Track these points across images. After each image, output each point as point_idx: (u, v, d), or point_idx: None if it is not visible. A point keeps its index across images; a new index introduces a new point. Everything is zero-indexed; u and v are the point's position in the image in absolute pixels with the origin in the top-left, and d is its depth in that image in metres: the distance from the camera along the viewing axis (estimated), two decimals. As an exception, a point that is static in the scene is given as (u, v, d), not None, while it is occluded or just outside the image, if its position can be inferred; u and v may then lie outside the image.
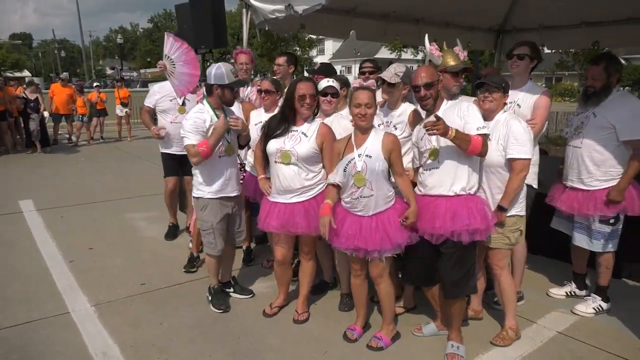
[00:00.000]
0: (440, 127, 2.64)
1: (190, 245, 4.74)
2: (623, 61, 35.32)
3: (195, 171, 3.50)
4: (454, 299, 2.97)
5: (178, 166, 4.89)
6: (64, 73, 17.77)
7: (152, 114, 4.92)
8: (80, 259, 4.65)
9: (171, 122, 4.74)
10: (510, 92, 3.52)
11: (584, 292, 3.79)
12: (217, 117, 3.41)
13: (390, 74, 3.29)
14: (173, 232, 5.27)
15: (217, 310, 3.61)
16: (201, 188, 3.48)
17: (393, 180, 2.99)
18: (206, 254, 3.67)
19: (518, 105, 3.48)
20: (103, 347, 3.14)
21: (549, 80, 36.27)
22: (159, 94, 4.74)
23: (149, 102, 4.83)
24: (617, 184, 3.31)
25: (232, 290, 3.89)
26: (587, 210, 3.42)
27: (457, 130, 2.69)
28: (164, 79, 4.55)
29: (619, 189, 3.29)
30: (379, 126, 3.43)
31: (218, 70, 3.34)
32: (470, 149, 2.74)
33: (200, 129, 3.33)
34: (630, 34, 5.75)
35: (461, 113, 2.83)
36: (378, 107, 3.55)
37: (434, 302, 3.22)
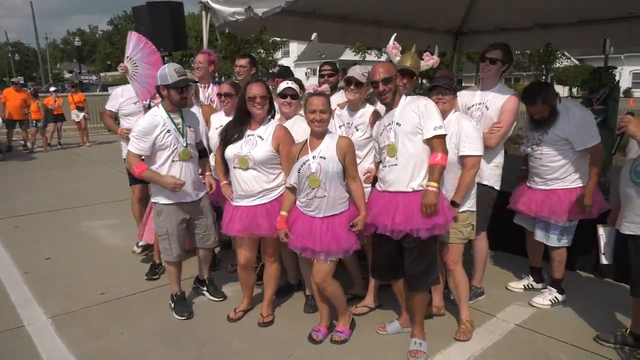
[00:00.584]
0: (429, 207, 2.75)
1: (135, 248, 4.70)
2: (577, 62, 36.85)
3: None
4: (417, 291, 3.03)
5: None
6: (18, 77, 17.11)
7: (114, 117, 4.77)
8: (36, 270, 4.49)
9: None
10: (480, 93, 3.60)
11: (540, 285, 3.93)
12: (172, 120, 3.34)
13: (358, 73, 3.30)
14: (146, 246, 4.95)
15: (180, 317, 3.55)
16: (156, 193, 3.43)
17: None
18: (164, 260, 3.62)
19: (486, 107, 3.52)
20: (60, 361, 3.04)
21: (507, 81, 37.44)
22: (122, 97, 4.58)
23: (111, 105, 4.67)
24: (585, 190, 3.40)
25: (205, 289, 3.88)
26: (541, 212, 3.55)
27: (432, 192, 2.77)
28: (126, 82, 4.43)
29: (588, 193, 3.39)
30: (340, 127, 3.47)
31: (162, 71, 3.29)
32: (446, 162, 2.85)
33: (147, 135, 3.27)
34: (580, 36, 6.02)
35: (419, 110, 2.86)
36: (339, 108, 3.59)
37: (400, 296, 3.27)
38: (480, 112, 3.54)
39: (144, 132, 3.27)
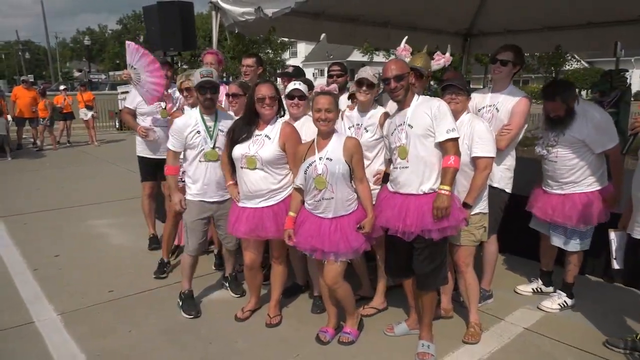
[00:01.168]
0: (441, 210, 2.75)
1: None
2: (586, 64, 36.57)
3: None
4: (426, 291, 3.02)
5: (155, 170, 4.66)
6: (28, 75, 17.26)
7: (133, 114, 4.75)
8: (45, 267, 4.51)
9: (151, 125, 4.62)
10: (491, 95, 3.57)
11: (550, 289, 3.89)
12: (204, 122, 3.41)
13: (370, 74, 3.26)
14: (154, 242, 4.95)
15: (187, 316, 3.55)
16: (187, 186, 3.54)
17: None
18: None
19: (497, 109, 3.49)
20: (69, 358, 3.06)
21: (516, 83, 36.99)
22: (139, 97, 4.56)
23: (129, 103, 4.71)
24: (614, 193, 3.41)
25: (227, 284, 3.97)
26: (557, 218, 3.51)
27: (444, 195, 2.76)
28: None
29: (617, 190, 3.40)
30: (349, 129, 3.45)
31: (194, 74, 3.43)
32: (459, 165, 2.84)
33: (179, 133, 3.41)
34: (587, 38, 5.97)
35: (432, 112, 2.83)
36: (349, 109, 3.58)
37: (410, 295, 3.26)
38: (491, 114, 3.51)
39: (177, 130, 3.41)
